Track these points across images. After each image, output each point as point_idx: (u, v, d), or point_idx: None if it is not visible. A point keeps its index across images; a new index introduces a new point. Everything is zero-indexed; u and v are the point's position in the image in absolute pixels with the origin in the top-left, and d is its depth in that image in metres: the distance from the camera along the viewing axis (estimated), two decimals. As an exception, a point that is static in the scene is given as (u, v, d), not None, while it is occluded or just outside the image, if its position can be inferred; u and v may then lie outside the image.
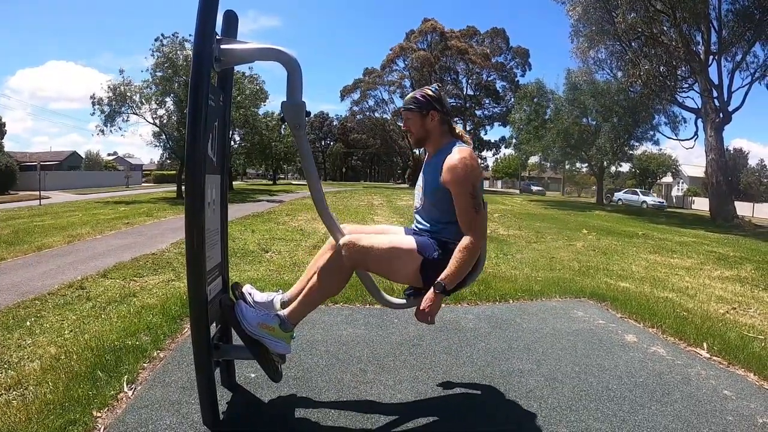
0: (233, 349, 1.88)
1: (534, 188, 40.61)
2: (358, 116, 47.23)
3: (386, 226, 2.00)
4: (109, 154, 52.62)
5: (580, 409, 1.89)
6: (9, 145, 39.85)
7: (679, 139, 22.48)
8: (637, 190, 29.51)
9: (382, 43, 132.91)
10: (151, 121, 18.06)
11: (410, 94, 1.81)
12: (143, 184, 37.43)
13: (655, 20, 17.74)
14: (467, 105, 42.42)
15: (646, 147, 27.92)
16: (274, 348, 1.67)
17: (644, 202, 26.11)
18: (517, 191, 41.58)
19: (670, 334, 2.88)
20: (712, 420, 1.83)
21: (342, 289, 1.79)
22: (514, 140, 32.09)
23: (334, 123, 61.81)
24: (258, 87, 20.97)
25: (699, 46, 17.94)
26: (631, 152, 26.58)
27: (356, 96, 45.21)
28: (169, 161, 31.82)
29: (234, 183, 29.71)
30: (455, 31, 41.70)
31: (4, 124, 35.54)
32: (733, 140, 76.29)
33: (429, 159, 1.81)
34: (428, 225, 1.77)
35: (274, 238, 6.86)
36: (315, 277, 1.69)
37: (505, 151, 46.05)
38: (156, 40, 16.51)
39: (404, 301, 1.90)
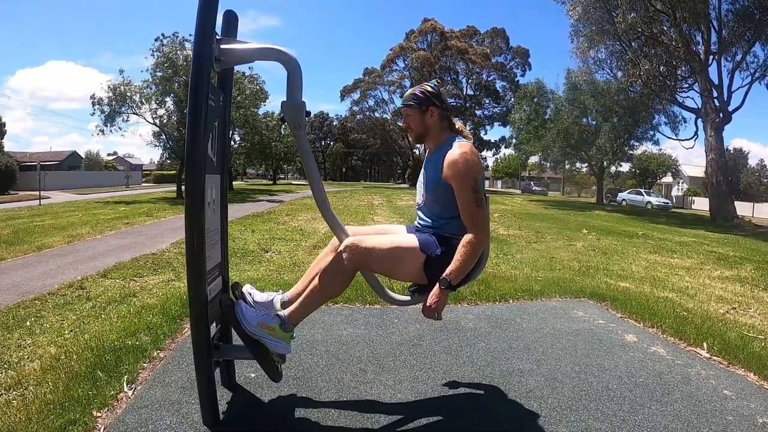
0: (233, 349, 1.88)
1: (535, 188, 40.49)
2: (358, 116, 47.23)
3: (387, 225, 2.00)
4: (109, 154, 52.78)
5: (580, 408, 1.89)
6: (9, 145, 40.01)
7: (679, 139, 22.54)
8: (642, 190, 29.46)
9: (382, 43, 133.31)
10: (151, 121, 18.12)
11: (409, 91, 1.81)
12: (143, 184, 37.43)
13: (655, 20, 17.72)
14: (467, 105, 42.42)
15: (646, 147, 28.01)
16: (274, 348, 1.67)
17: (649, 202, 26.11)
18: (518, 191, 41.53)
19: (670, 334, 2.88)
20: (712, 420, 1.83)
21: (344, 291, 1.79)
22: (514, 140, 32.09)
23: (334, 123, 61.82)
24: (258, 87, 20.99)
25: (699, 46, 17.93)
26: (631, 152, 26.61)
27: (356, 96, 45.30)
28: (169, 161, 31.82)
29: (234, 183, 29.71)
30: (455, 31, 41.74)
31: (4, 124, 35.58)
32: (733, 140, 76.37)
33: (429, 155, 1.81)
34: (430, 221, 1.77)
35: (274, 238, 6.86)
36: (317, 279, 1.69)
37: (505, 151, 46.12)
38: (156, 40, 16.57)
39: (409, 297, 1.89)
